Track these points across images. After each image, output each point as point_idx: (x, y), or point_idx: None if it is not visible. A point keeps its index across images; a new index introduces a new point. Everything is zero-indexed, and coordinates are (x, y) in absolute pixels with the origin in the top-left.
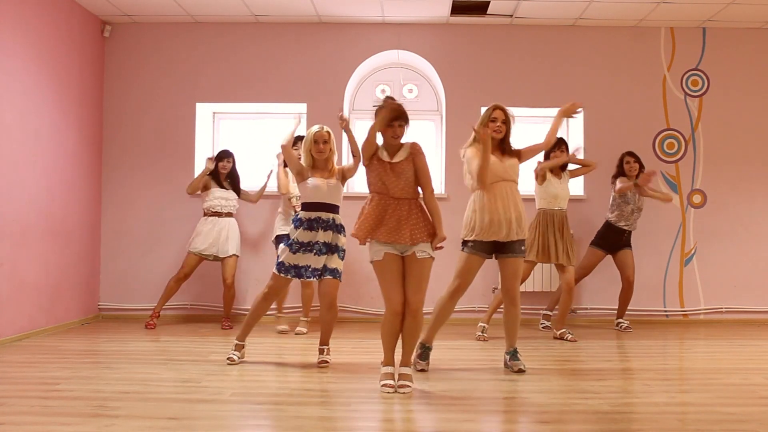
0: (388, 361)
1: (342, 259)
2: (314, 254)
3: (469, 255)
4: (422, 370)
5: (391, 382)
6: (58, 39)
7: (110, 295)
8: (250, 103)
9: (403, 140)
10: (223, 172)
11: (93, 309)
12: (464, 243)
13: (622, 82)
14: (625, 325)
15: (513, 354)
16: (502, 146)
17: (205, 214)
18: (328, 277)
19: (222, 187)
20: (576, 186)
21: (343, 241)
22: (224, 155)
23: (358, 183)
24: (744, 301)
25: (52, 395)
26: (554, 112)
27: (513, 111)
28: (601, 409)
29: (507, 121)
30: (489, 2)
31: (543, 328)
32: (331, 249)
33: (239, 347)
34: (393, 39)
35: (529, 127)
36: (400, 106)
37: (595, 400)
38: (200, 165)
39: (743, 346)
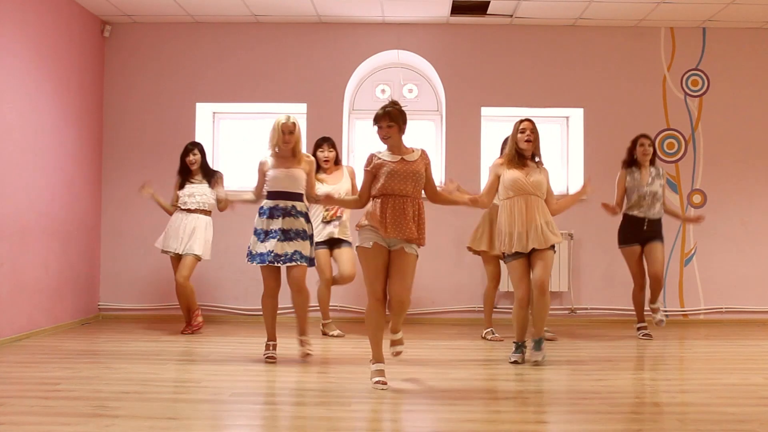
0: (378, 357)
1: (310, 243)
2: (277, 240)
3: (510, 264)
4: (515, 362)
5: (383, 378)
6: (58, 39)
7: (110, 295)
8: (250, 103)
9: (409, 145)
10: (193, 167)
11: (93, 309)
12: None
13: (622, 82)
14: (658, 318)
15: (537, 343)
16: (524, 161)
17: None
18: (294, 263)
19: (189, 182)
20: (576, 186)
21: (305, 226)
22: (189, 148)
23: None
24: (744, 301)
25: (52, 395)
26: (554, 112)
27: (513, 111)
28: (601, 409)
29: (535, 132)
30: (489, 2)
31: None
32: (290, 235)
33: (270, 346)
34: (393, 39)
35: None
36: (384, 108)
37: (595, 400)
38: None
39: (743, 346)
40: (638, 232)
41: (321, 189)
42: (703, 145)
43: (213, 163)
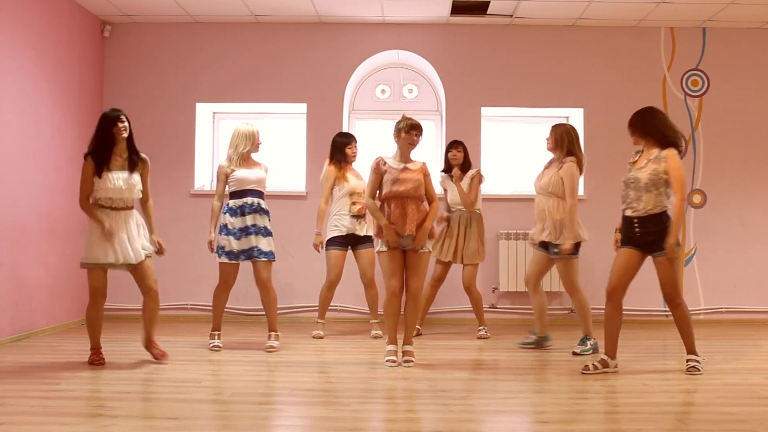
0: (392, 340)
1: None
2: (255, 236)
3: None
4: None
5: (393, 358)
6: (58, 39)
7: (110, 295)
8: (250, 103)
9: (414, 157)
10: (125, 135)
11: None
12: None
13: (622, 82)
14: (691, 365)
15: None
16: (550, 163)
17: (93, 204)
18: (263, 259)
19: (109, 168)
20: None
21: (267, 222)
22: (116, 114)
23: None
24: (744, 301)
25: (52, 395)
26: (554, 112)
27: (513, 111)
28: (601, 409)
29: (550, 138)
30: (489, 2)
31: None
32: (261, 231)
33: (216, 336)
34: (393, 39)
35: (528, 127)
36: (413, 120)
37: (595, 400)
38: (200, 165)
39: (743, 346)
40: (631, 236)
41: (347, 186)
42: (703, 145)
43: (213, 164)
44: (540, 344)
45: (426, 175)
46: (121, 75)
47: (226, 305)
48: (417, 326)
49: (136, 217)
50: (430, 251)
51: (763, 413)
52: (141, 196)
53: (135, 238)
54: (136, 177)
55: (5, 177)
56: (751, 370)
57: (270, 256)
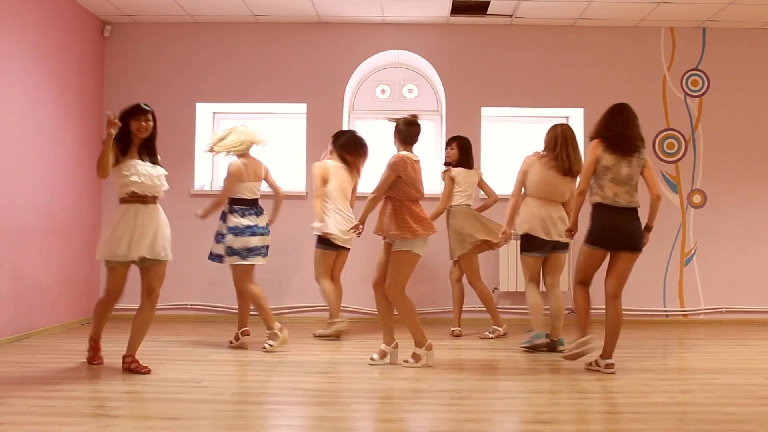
0: (384, 339)
1: (218, 242)
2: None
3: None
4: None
5: (374, 356)
6: (58, 39)
7: None
8: (250, 103)
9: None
10: (143, 135)
11: (93, 309)
12: None
13: (622, 82)
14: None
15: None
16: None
17: (122, 201)
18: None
19: (141, 158)
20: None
21: (220, 226)
22: (144, 110)
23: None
24: (744, 301)
25: (52, 395)
26: (554, 112)
27: (513, 111)
28: (601, 409)
29: (545, 143)
30: (489, 2)
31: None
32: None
33: (273, 336)
34: (393, 39)
35: (528, 127)
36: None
37: (595, 400)
38: (200, 165)
39: (743, 346)
40: None
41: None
42: (703, 145)
43: (213, 163)
44: (553, 347)
45: (386, 166)
46: (121, 75)
47: (234, 306)
48: (457, 327)
49: (162, 213)
50: (405, 251)
51: (763, 413)
52: (167, 188)
53: (159, 236)
54: (160, 168)
55: (5, 177)
56: (751, 370)
57: (210, 256)
